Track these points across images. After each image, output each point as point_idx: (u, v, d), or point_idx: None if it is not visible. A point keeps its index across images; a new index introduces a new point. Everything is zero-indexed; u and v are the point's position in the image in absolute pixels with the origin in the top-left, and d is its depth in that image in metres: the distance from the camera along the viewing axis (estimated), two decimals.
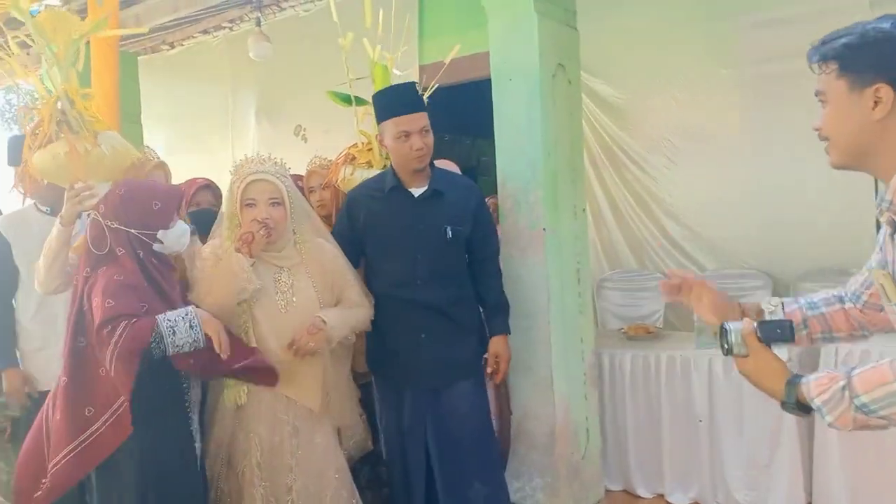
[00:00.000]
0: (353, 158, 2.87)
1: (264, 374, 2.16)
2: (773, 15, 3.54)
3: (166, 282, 2.13)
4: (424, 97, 2.65)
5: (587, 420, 3.03)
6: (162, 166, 2.64)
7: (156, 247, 2.11)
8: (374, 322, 2.48)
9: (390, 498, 2.63)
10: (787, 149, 3.55)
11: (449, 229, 2.46)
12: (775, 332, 1.32)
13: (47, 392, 2.28)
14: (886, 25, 1.19)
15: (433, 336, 2.48)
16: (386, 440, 2.62)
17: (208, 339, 1.99)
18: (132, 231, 2.08)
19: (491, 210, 5.07)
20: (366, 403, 2.57)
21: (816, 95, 1.27)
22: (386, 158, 2.80)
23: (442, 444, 2.50)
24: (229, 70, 5.61)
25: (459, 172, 2.87)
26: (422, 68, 4.09)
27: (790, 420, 2.82)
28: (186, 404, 2.11)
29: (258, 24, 4.57)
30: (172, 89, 5.86)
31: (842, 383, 1.17)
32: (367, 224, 2.53)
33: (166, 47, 5.65)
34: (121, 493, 1.99)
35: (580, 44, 3.09)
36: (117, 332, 1.90)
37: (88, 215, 2.22)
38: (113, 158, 2.42)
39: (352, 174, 2.78)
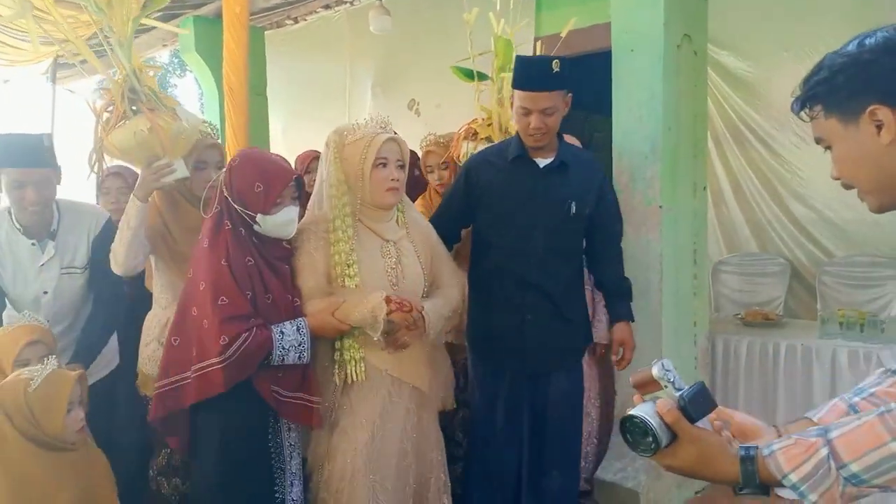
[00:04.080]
0: (475, 134, 2.87)
1: (305, 414, 1.97)
2: None
3: (270, 266, 1.98)
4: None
5: None
6: (217, 146, 2.49)
7: (255, 227, 1.98)
8: (477, 298, 2.38)
9: (468, 472, 2.52)
10: None
11: (573, 204, 2.34)
12: (706, 404, 1.03)
13: None
14: (851, 48, 1.06)
15: (539, 318, 2.36)
16: (473, 415, 2.55)
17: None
18: (235, 206, 1.95)
19: None
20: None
21: (818, 143, 1.13)
22: (506, 133, 2.78)
23: (535, 433, 2.41)
24: (348, 44, 5.75)
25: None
26: (538, 40, 4.04)
27: None
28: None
29: None
30: (294, 63, 6.08)
31: (824, 452, 0.92)
32: (486, 192, 2.40)
33: (290, 22, 5.86)
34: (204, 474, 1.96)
35: (708, 13, 2.95)
36: (234, 346, 1.82)
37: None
38: (189, 133, 2.34)
39: (475, 149, 2.77)
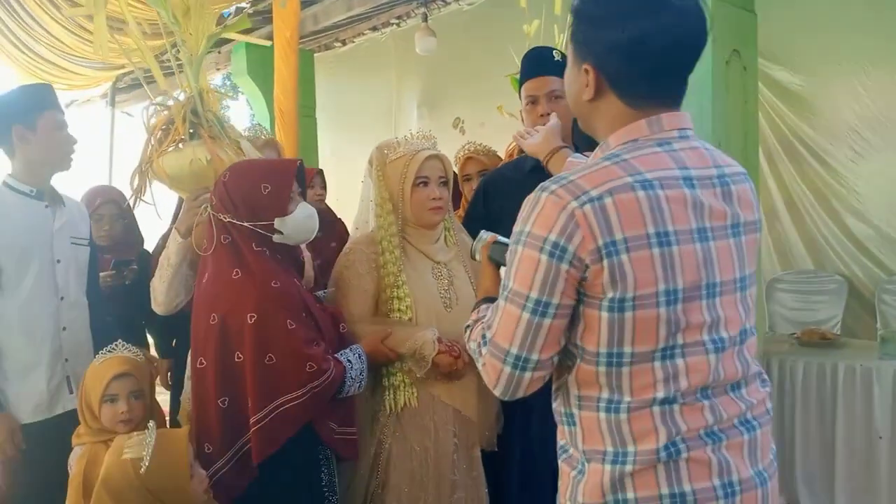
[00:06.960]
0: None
1: (350, 447, 1.84)
2: None
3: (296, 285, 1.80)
4: None
5: None
6: (273, 144, 2.29)
7: (276, 238, 1.76)
8: None
9: None
10: None
11: None
12: (502, 257, 1.38)
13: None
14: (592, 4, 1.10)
15: None
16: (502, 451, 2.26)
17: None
18: (245, 225, 1.73)
19: None
20: None
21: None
22: None
23: None
24: (395, 65, 5.84)
25: None
26: None
27: None
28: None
29: (424, 19, 4.71)
30: (342, 84, 6.20)
31: (472, 335, 1.24)
32: (504, 209, 2.25)
33: (339, 44, 5.97)
34: None
35: (758, 28, 2.91)
36: (318, 381, 1.66)
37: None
38: None
39: None
